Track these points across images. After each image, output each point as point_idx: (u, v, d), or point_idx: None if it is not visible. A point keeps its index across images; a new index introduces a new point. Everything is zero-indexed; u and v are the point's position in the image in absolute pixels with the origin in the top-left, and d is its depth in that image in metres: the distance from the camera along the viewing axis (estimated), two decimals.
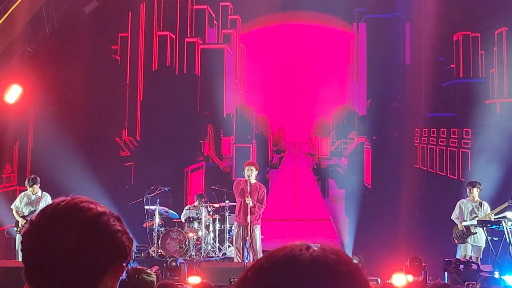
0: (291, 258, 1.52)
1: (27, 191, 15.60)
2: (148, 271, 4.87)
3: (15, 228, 15.55)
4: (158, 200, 16.93)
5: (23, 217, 15.30)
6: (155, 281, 4.65)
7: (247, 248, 14.03)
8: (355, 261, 4.51)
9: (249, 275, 1.56)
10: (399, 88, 19.67)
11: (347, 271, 1.51)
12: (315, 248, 1.55)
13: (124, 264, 2.12)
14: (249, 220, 14.00)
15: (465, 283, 8.77)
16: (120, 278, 2.12)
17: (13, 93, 18.18)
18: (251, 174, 14.13)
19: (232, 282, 12.87)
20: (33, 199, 15.47)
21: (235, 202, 15.35)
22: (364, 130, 19.60)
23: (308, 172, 19.98)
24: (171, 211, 17.04)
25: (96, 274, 2.04)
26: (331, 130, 20.06)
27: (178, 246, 16.12)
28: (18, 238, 15.36)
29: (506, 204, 14.32)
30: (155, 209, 16.51)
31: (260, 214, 14.33)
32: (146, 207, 16.81)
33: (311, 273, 1.48)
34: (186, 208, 17.27)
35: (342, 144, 19.98)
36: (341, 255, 1.54)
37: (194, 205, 17.22)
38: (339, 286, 1.49)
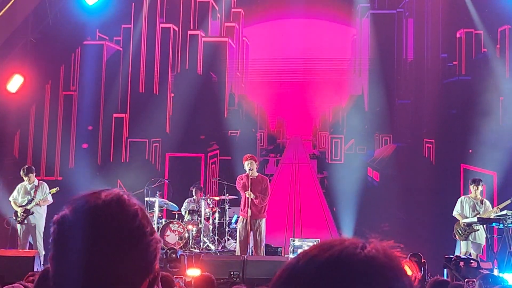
0: (345, 255, 1.43)
1: (24, 182, 15.62)
2: None
3: (14, 218, 15.57)
4: (158, 192, 16.93)
5: (21, 206, 15.33)
6: (158, 273, 4.64)
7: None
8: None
9: (299, 263, 1.45)
10: (401, 84, 19.66)
11: (396, 276, 1.44)
12: (370, 249, 1.46)
13: (157, 266, 1.99)
14: (249, 214, 14.05)
15: (465, 280, 8.77)
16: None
17: (15, 83, 18.17)
18: (252, 168, 14.16)
19: (232, 275, 12.89)
20: (29, 189, 15.49)
21: (235, 196, 15.39)
22: (365, 125, 19.57)
23: (309, 166, 19.99)
24: (171, 203, 17.04)
25: (135, 276, 1.90)
26: (340, 127, 20.00)
27: (177, 238, 16.14)
28: (19, 228, 15.40)
29: (508, 201, 14.33)
30: (155, 201, 16.51)
31: (264, 207, 14.36)
32: (146, 198, 16.80)
33: (362, 274, 1.40)
34: (186, 200, 17.29)
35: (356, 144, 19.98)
36: (393, 258, 1.47)
37: (194, 198, 17.23)
38: None
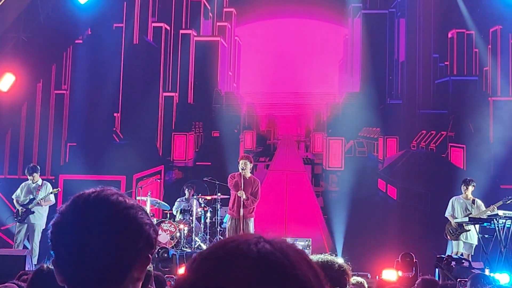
0: (236, 252, 1.40)
1: (27, 181, 15.62)
2: None
3: (14, 216, 15.55)
4: (149, 192, 16.91)
5: (23, 205, 15.29)
6: (152, 273, 4.64)
7: None
8: (341, 261, 4.41)
9: (193, 265, 1.45)
10: (392, 84, 19.68)
11: (295, 273, 1.38)
12: (264, 244, 1.42)
13: (150, 256, 2.17)
14: (241, 213, 14.04)
15: (457, 280, 8.78)
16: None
17: (6, 81, 18.12)
18: (246, 168, 14.15)
19: None
20: (33, 188, 15.48)
21: (227, 195, 15.37)
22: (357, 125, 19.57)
23: (300, 164, 19.94)
24: (163, 202, 17.02)
25: (125, 265, 2.07)
26: (336, 127, 19.80)
27: (169, 238, 16.11)
28: (17, 226, 15.37)
29: (500, 202, 14.35)
30: (147, 200, 16.48)
31: (253, 208, 14.37)
32: (138, 197, 16.77)
33: (254, 271, 1.36)
34: (178, 200, 17.26)
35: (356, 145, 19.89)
36: (293, 254, 1.42)
37: (185, 197, 17.22)
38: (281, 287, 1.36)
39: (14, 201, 15.57)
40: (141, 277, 2.12)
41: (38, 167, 15.90)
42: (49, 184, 15.72)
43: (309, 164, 19.93)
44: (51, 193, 15.43)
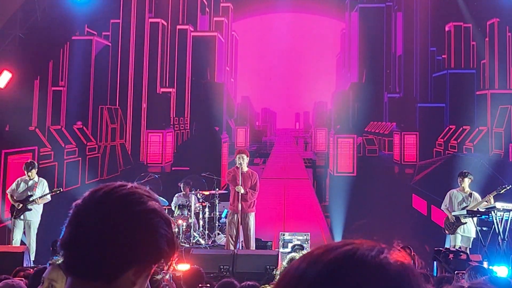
0: (355, 257, 1.31)
1: (24, 176, 15.53)
2: None
3: (10, 211, 15.51)
4: (148, 187, 16.84)
5: (20, 201, 15.22)
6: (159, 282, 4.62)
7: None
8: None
9: (302, 264, 1.35)
10: (390, 78, 19.67)
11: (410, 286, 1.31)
12: (386, 254, 1.32)
13: (155, 266, 2.12)
14: (240, 208, 14.04)
15: (455, 272, 8.78)
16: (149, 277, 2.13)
17: (3, 78, 18.10)
18: (243, 162, 14.15)
19: (222, 269, 12.88)
20: (30, 185, 15.40)
21: (225, 190, 15.38)
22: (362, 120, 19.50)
23: (300, 163, 19.89)
24: (161, 198, 16.99)
25: (120, 265, 2.04)
26: (339, 122, 19.60)
27: None
28: (13, 222, 15.33)
29: (495, 193, 14.31)
30: None
31: (254, 202, 14.38)
32: None
33: (376, 281, 1.28)
34: (176, 195, 17.26)
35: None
36: (412, 270, 1.33)
37: (183, 193, 17.21)
38: None
39: (9, 196, 15.48)
40: (137, 282, 2.08)
41: (36, 163, 15.85)
42: (45, 181, 15.64)
43: (310, 167, 19.64)
44: (52, 192, 15.36)
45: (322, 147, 19.70)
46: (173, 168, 19.51)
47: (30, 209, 15.18)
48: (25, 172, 15.48)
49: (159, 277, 4.74)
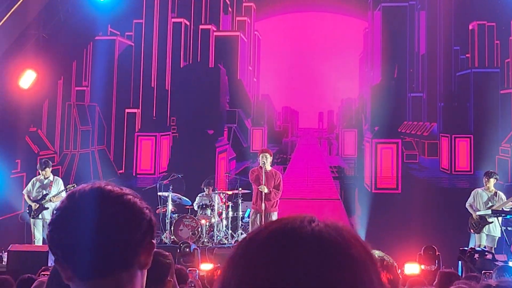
0: (288, 230, 1.34)
1: (38, 176, 15.62)
2: (165, 253, 4.85)
3: (28, 212, 15.58)
4: (171, 187, 16.92)
5: (36, 201, 15.31)
6: (171, 264, 4.62)
7: None
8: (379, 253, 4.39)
9: (254, 234, 1.39)
10: (413, 77, 19.57)
11: (350, 252, 1.33)
12: (318, 223, 1.36)
13: (153, 241, 2.16)
14: (263, 207, 14.01)
15: (482, 272, 8.73)
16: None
17: (27, 79, 18.16)
18: (266, 161, 14.11)
19: None
20: (45, 183, 15.48)
21: (248, 190, 15.37)
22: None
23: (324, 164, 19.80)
24: (184, 197, 17.02)
25: (133, 249, 2.08)
26: (369, 123, 19.25)
27: (190, 233, 16.11)
28: (33, 222, 15.40)
29: None
30: (168, 196, 16.50)
31: (276, 201, 14.35)
32: (159, 193, 16.79)
33: (308, 250, 1.31)
34: (199, 195, 17.27)
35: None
36: (347, 234, 1.36)
37: (206, 193, 17.22)
38: (338, 269, 1.30)
39: (25, 197, 15.56)
40: (148, 262, 2.13)
41: (50, 162, 15.93)
42: (60, 180, 15.72)
43: (338, 179, 19.10)
44: (66, 189, 15.42)
45: (351, 151, 19.41)
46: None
47: (47, 208, 15.24)
48: (40, 171, 15.56)
49: (170, 259, 4.70)
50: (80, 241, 2.03)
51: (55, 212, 2.11)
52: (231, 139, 19.73)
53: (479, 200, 14.81)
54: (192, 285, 7.27)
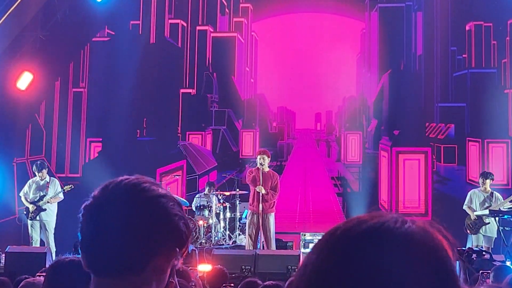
0: (384, 229, 1.36)
1: (35, 178, 15.63)
2: None
3: (25, 214, 15.58)
4: (168, 188, 16.93)
5: (33, 203, 15.31)
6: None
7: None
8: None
9: (337, 233, 1.39)
10: (410, 77, 19.56)
11: (436, 254, 1.36)
12: (411, 224, 1.38)
13: (178, 250, 2.12)
14: (260, 208, 14.03)
15: (480, 272, 8.75)
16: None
17: (25, 80, 18.18)
18: (264, 163, 14.13)
19: (244, 269, 12.88)
20: (41, 185, 15.50)
21: (246, 190, 15.39)
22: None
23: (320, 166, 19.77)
24: (181, 198, 17.04)
25: (148, 252, 2.06)
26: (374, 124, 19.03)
27: None
28: (30, 223, 15.40)
29: None
30: None
31: (274, 202, 14.37)
32: None
33: (400, 249, 1.33)
34: (196, 196, 17.30)
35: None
36: (434, 236, 1.39)
37: (204, 193, 17.24)
38: (428, 270, 1.34)
39: (22, 198, 15.56)
40: (166, 268, 2.09)
41: (46, 163, 15.94)
42: (57, 181, 15.74)
43: (341, 195, 18.51)
44: (63, 190, 15.44)
45: (355, 158, 19.17)
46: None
47: (45, 209, 15.26)
48: (36, 173, 15.56)
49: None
50: (95, 234, 2.06)
51: (90, 198, 2.12)
52: (219, 143, 19.52)
53: (475, 200, 14.84)
54: (193, 284, 7.27)
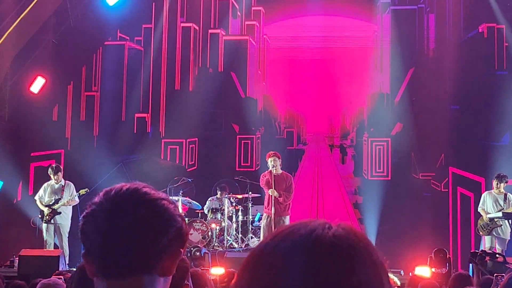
0: (314, 237, 1.38)
1: (50, 181, 15.65)
2: (183, 257, 4.88)
3: (40, 217, 15.62)
4: (181, 191, 16.96)
5: (48, 206, 15.36)
6: (188, 268, 4.65)
7: None
8: None
9: (270, 242, 1.42)
10: (423, 80, 19.51)
11: (367, 256, 1.39)
12: (337, 228, 1.41)
13: (182, 250, 2.19)
14: (273, 211, 14.00)
15: (494, 275, 8.70)
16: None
17: (37, 84, 18.25)
18: (276, 165, 14.12)
19: None
20: (57, 188, 15.53)
21: (258, 193, 15.38)
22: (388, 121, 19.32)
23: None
24: (194, 202, 17.05)
25: (155, 254, 2.10)
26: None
27: (201, 237, 16.16)
28: (45, 227, 15.44)
29: None
30: (178, 200, 16.52)
31: (288, 205, 14.31)
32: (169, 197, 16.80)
33: (330, 255, 1.36)
34: (209, 199, 17.30)
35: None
36: (362, 237, 1.43)
37: (217, 197, 17.25)
38: (358, 270, 1.36)
39: (38, 202, 15.60)
40: (172, 269, 2.15)
41: (61, 167, 15.97)
42: (72, 184, 15.75)
43: (363, 222, 18.46)
44: (79, 194, 15.48)
45: (381, 170, 19.09)
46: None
47: (60, 213, 15.31)
48: (51, 176, 15.60)
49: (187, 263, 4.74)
50: (106, 239, 2.08)
51: (90, 205, 2.15)
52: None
53: (488, 202, 14.80)
54: None
